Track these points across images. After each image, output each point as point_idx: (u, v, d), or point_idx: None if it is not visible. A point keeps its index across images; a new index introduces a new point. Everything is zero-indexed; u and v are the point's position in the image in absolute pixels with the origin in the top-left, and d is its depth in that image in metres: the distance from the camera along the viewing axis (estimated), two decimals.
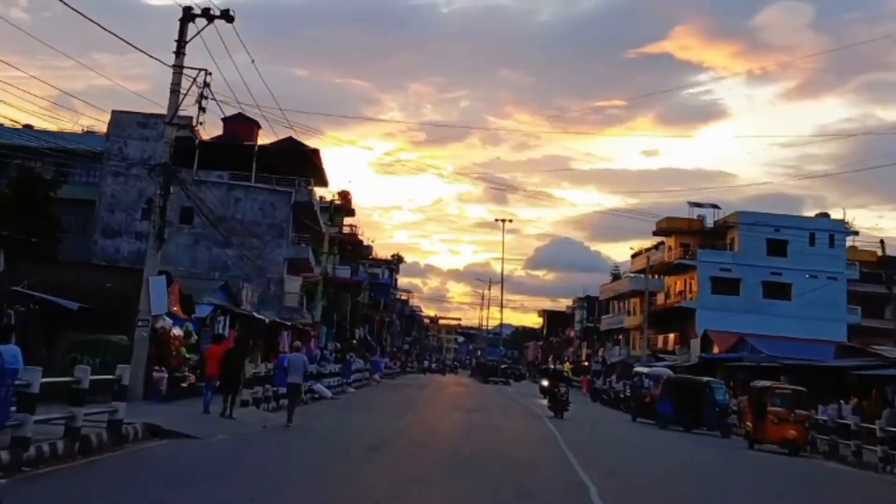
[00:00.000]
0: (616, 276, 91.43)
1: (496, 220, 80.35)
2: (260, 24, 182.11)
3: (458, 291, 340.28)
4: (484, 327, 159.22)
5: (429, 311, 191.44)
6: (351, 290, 71.87)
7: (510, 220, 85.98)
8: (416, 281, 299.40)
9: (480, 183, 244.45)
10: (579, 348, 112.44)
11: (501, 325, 71.96)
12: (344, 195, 72.15)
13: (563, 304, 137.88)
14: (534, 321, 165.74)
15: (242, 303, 34.24)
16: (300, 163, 48.76)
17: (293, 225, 49.47)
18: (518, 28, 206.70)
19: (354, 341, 76.37)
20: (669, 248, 75.01)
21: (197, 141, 48.65)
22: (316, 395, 32.52)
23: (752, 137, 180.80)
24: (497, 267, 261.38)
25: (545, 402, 37.15)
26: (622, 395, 43.47)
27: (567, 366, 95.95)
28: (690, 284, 69.84)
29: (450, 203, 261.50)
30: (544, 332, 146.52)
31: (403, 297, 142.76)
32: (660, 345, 71.65)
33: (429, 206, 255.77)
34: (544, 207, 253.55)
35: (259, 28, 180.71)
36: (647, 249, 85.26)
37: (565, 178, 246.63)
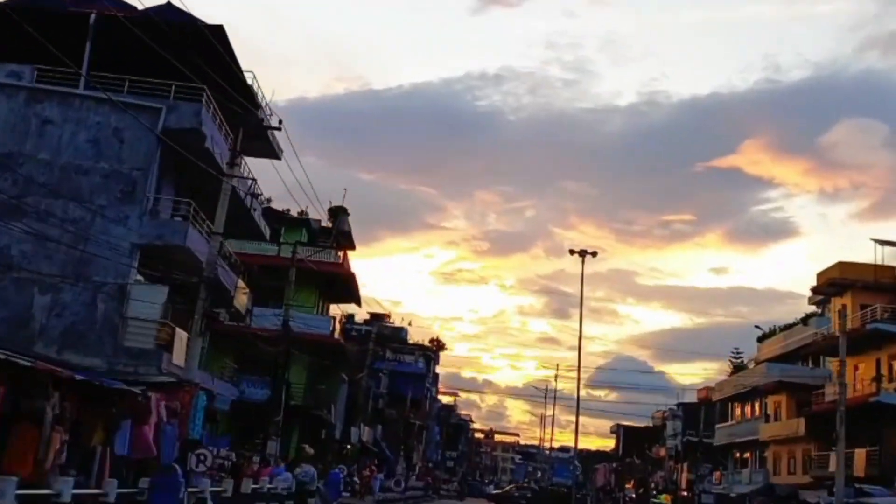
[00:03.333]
0: (738, 367, 63.28)
1: (571, 252, 47.44)
2: (330, 126, 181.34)
3: (517, 409, 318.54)
4: (545, 448, 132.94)
5: (485, 427, 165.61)
6: (341, 361, 45.39)
7: (593, 254, 52.12)
8: (475, 397, 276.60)
9: (543, 295, 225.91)
10: (673, 471, 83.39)
11: (577, 438, 44.89)
12: (336, 213, 46.48)
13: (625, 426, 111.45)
14: (597, 443, 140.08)
15: None
16: (192, 57, 23.34)
17: (162, 178, 23.76)
18: (585, 138, 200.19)
19: (348, 446, 49.27)
20: (840, 310, 47.27)
21: None
22: None
23: (823, 256, 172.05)
24: (559, 385, 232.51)
25: None
26: None
27: (665, 498, 67.32)
28: (892, 366, 42.08)
29: (511, 316, 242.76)
30: (619, 451, 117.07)
31: (448, 401, 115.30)
32: (832, 467, 43.51)
33: (490, 318, 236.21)
34: (607, 324, 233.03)
35: (328, 131, 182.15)
36: (787, 327, 57.55)
37: (630, 294, 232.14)
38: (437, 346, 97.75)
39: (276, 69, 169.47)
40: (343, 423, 49.89)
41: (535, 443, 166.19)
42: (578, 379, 47.04)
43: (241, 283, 30.02)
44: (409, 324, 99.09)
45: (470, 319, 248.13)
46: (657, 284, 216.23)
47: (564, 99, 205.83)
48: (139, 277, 22.69)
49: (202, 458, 17.21)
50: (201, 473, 17.63)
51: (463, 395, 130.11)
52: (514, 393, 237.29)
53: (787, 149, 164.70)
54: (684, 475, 72.42)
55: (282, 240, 42.13)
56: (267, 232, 32.80)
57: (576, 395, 51.75)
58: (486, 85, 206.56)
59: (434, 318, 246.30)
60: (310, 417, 40.46)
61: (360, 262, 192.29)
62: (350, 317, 76.46)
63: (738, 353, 64.29)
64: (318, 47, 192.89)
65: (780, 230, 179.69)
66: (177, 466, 15.20)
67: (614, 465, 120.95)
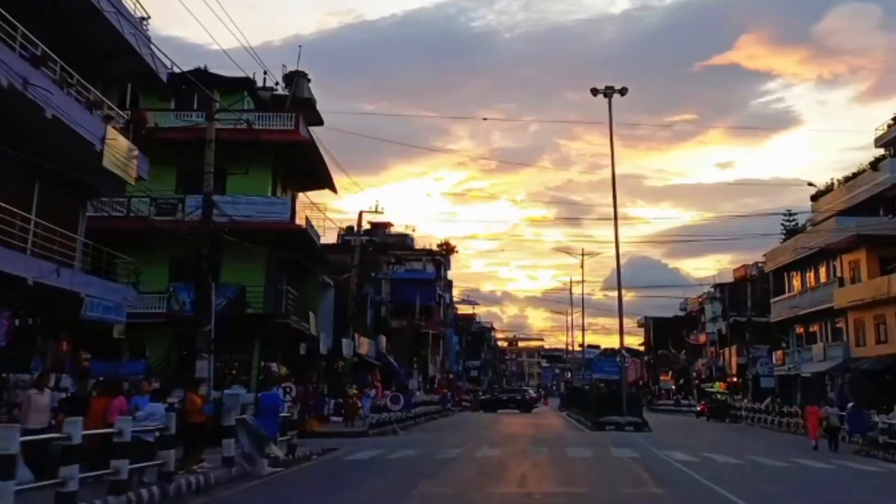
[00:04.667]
0: (792, 232, 52.49)
1: (594, 93, 36.21)
2: (328, 61, 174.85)
3: (538, 317, 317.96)
4: (569, 350, 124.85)
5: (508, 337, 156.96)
6: (312, 255, 35.23)
7: (622, 92, 40.48)
8: (495, 310, 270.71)
9: (554, 206, 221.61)
10: (715, 357, 73.71)
11: (622, 329, 35.62)
12: (291, 78, 35.68)
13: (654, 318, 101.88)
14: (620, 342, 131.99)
15: None
16: None
17: None
18: (583, 49, 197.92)
19: (340, 362, 39.33)
20: None
21: None
22: None
23: (826, 143, 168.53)
24: (576, 291, 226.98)
25: None
26: None
27: (719, 385, 57.75)
28: None
29: (525, 229, 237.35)
30: (649, 344, 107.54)
31: (466, 311, 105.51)
32: None
33: (504, 234, 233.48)
34: (619, 227, 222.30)
35: (327, 65, 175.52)
36: (852, 177, 46.77)
37: (640, 196, 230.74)
38: (447, 249, 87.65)
39: (269, 11, 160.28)
40: (333, 335, 40.02)
41: (560, 346, 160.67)
42: (618, 254, 36.88)
43: (116, 137, 19.51)
44: (414, 230, 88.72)
45: (485, 236, 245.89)
46: (665, 185, 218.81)
47: (558, 12, 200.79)
48: None
49: None
50: None
51: (484, 308, 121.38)
52: (535, 302, 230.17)
53: (782, 40, 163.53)
54: (733, 359, 62.49)
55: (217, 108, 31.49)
56: (161, 71, 22.17)
57: (616, 283, 41.66)
58: (479, 5, 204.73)
59: (450, 238, 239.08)
60: (275, 328, 30.33)
61: (372, 192, 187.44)
62: (349, 228, 66.89)
63: (790, 216, 53.37)
64: None
65: (781, 120, 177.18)
66: None
67: (645, 358, 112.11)
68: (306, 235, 30.93)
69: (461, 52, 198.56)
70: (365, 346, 45.10)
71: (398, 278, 64.98)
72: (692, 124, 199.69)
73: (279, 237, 30.66)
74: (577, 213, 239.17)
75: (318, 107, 36.72)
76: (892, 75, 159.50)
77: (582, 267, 71.80)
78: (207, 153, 23.56)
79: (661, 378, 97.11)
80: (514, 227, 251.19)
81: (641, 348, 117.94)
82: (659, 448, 23.06)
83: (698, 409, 53.67)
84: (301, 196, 37.87)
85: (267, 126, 30.84)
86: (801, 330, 49.42)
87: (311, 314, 34.78)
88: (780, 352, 51.32)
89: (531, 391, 72.19)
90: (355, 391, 31.07)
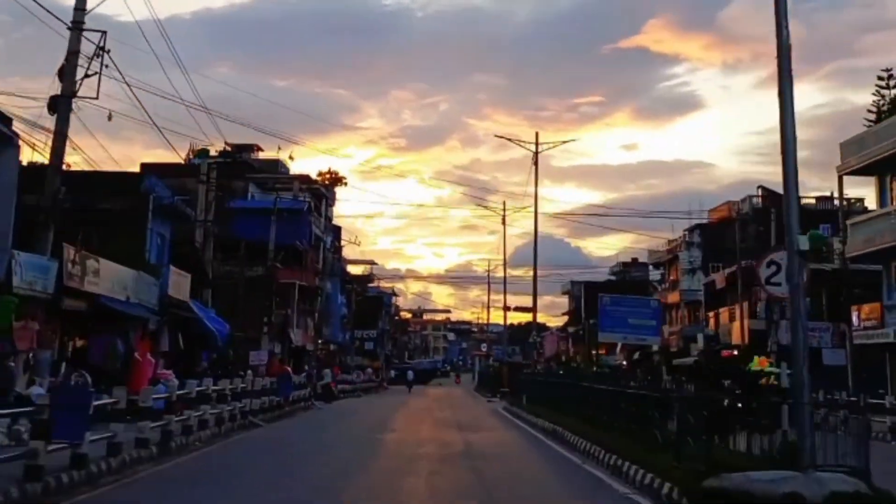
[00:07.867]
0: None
1: None
2: (239, 36, 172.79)
3: (441, 293, 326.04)
4: (482, 322, 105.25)
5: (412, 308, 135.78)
6: None
7: None
8: (399, 285, 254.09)
9: (461, 185, 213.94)
10: (693, 321, 52.69)
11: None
12: None
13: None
14: (526, 317, 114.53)
15: None
16: None
17: None
18: (494, 30, 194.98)
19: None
20: None
21: None
22: None
23: (727, 127, 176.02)
24: (481, 268, 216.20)
25: None
26: None
27: (759, 361, 35.42)
28: None
29: (431, 208, 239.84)
30: (581, 315, 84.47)
31: (361, 271, 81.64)
32: None
33: (411, 212, 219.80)
34: (525, 208, 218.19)
35: (238, 40, 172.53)
36: None
37: (545, 176, 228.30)
38: (331, 179, 63.89)
39: None
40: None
41: (468, 320, 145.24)
42: None
43: None
44: (291, 157, 64.53)
45: (391, 214, 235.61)
46: (570, 165, 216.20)
47: None
48: None
49: None
50: None
51: (387, 284, 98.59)
52: (439, 280, 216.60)
53: (689, 26, 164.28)
54: (743, 324, 40.58)
55: None
56: None
57: None
58: None
59: (356, 216, 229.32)
60: None
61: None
62: (203, 151, 42.80)
63: (889, 73, 31.62)
64: None
65: (685, 104, 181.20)
66: None
67: (570, 330, 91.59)
68: None
69: (373, 31, 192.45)
70: (111, 276, 21.24)
71: (243, 207, 41.17)
72: (598, 106, 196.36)
73: None
74: (484, 193, 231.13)
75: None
76: (793, 63, 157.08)
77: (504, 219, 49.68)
78: None
79: (599, 352, 75.56)
80: (420, 206, 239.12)
81: (563, 320, 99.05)
82: None
83: None
84: None
85: None
86: None
87: None
88: (871, 306, 29.40)
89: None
90: None
